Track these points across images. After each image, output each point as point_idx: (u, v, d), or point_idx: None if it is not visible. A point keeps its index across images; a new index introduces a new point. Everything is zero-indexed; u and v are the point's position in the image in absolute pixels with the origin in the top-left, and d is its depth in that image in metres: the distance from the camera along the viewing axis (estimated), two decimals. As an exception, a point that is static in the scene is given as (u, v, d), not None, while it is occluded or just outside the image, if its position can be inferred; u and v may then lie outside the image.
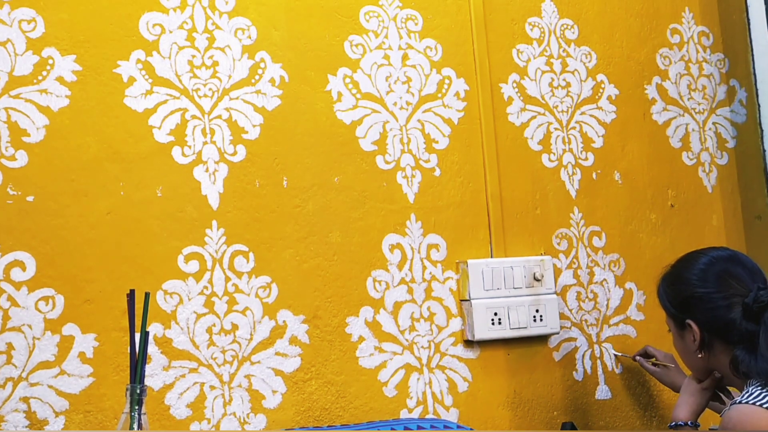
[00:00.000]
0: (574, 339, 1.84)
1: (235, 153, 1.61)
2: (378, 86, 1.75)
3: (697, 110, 2.06)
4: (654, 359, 1.77)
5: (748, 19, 2.12)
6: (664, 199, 1.98)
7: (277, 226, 1.62)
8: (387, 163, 1.73)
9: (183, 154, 1.58)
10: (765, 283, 1.42)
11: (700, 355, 1.46)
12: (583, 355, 1.84)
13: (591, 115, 1.94)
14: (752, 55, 2.11)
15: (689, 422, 1.51)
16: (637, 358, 1.80)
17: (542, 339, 1.80)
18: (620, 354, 1.85)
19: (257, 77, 1.65)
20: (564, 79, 1.93)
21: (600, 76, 1.97)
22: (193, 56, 1.61)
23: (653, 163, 1.98)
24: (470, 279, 1.72)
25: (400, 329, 1.69)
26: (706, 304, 1.43)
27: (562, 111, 1.91)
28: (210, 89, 1.61)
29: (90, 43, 1.54)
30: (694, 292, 1.45)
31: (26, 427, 1.40)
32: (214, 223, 1.58)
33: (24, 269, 1.45)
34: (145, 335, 1.21)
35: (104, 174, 1.52)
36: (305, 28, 1.71)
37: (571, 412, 1.80)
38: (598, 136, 1.94)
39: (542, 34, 1.93)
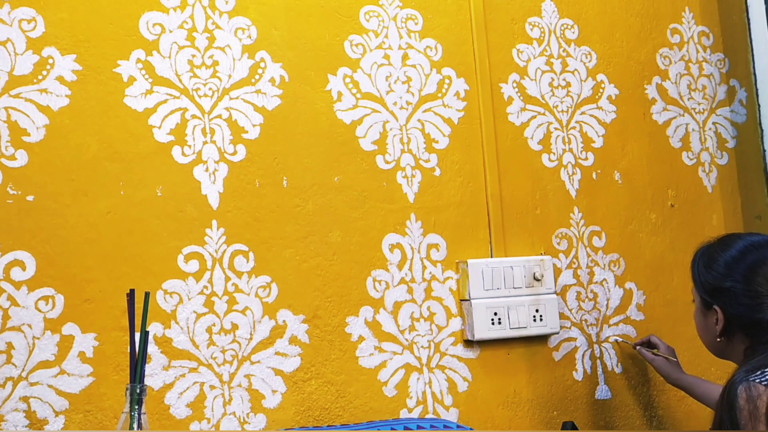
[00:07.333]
0: (574, 339, 1.83)
1: (235, 153, 1.61)
2: (378, 86, 1.75)
3: (697, 110, 2.06)
4: (656, 350, 1.78)
5: (748, 19, 2.12)
6: (664, 199, 1.98)
7: (277, 226, 1.62)
8: (387, 162, 1.73)
9: (183, 154, 1.58)
10: None
11: (719, 339, 1.46)
12: (583, 355, 1.84)
13: (591, 115, 1.94)
14: (752, 55, 2.11)
15: None
16: (638, 347, 1.81)
17: (542, 339, 1.80)
18: (621, 340, 1.86)
19: (257, 77, 1.65)
20: (564, 79, 1.93)
21: (600, 76, 1.97)
22: (193, 56, 1.61)
23: (653, 162, 1.98)
24: (470, 279, 1.72)
25: (399, 329, 1.69)
26: (735, 298, 1.43)
27: (562, 111, 1.91)
28: (210, 89, 1.61)
29: (90, 43, 1.54)
30: (723, 283, 1.44)
31: (26, 426, 1.40)
32: (214, 222, 1.58)
33: (24, 269, 1.45)
34: (145, 335, 1.21)
35: (104, 174, 1.52)
36: (305, 28, 1.71)
37: (571, 412, 1.80)
38: (598, 136, 1.94)
39: (542, 34, 1.93)
